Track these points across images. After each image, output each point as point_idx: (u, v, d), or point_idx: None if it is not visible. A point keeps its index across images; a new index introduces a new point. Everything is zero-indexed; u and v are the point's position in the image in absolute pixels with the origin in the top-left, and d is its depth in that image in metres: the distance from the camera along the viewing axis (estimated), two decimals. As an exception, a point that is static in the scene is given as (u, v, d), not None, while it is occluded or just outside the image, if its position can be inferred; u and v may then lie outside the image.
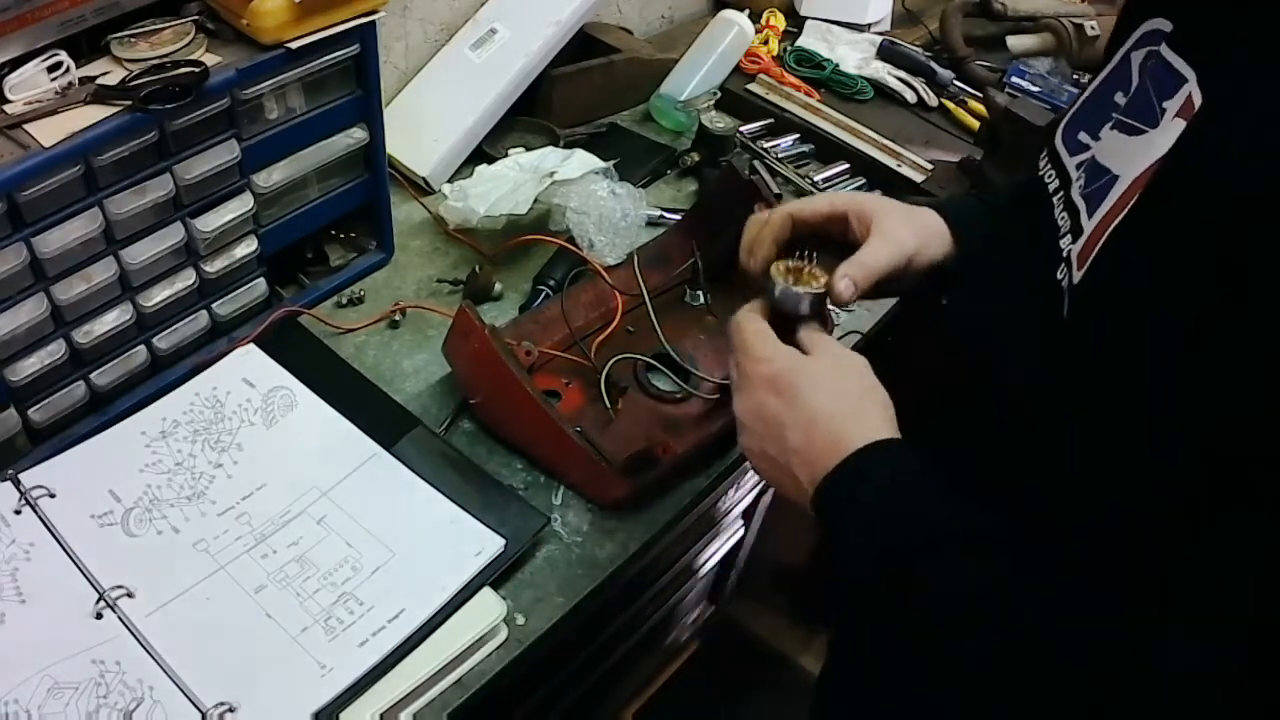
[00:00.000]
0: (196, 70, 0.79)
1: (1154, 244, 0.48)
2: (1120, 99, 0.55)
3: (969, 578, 0.54)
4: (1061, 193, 0.58)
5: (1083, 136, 0.57)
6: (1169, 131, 0.49)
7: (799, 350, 0.67)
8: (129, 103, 0.76)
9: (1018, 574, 0.53)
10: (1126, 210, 0.51)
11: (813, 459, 0.61)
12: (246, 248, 0.93)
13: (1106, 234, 0.52)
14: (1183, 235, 0.46)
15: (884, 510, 0.58)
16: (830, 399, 0.63)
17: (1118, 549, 0.50)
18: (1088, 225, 0.54)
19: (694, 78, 1.40)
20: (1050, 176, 0.60)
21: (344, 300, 1.05)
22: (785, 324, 0.70)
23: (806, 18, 1.62)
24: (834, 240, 0.77)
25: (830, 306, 0.77)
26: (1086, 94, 0.61)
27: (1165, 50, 0.52)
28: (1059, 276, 0.55)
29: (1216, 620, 0.44)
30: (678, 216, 1.17)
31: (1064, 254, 0.56)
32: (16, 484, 0.80)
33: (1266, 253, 0.42)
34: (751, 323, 0.69)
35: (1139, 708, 0.45)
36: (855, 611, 0.60)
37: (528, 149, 1.22)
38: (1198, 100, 0.48)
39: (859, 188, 1.30)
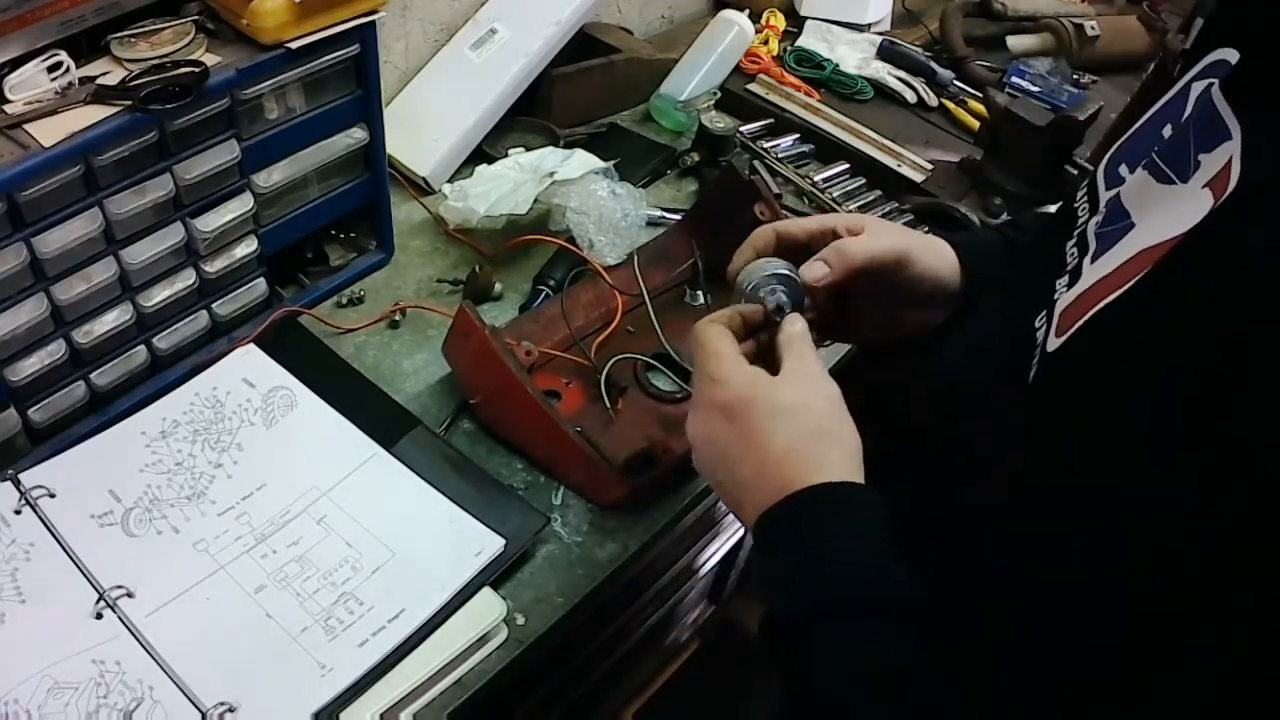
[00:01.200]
0: (196, 70, 0.78)
1: (1143, 340, 0.44)
2: (1166, 133, 0.51)
3: (862, 656, 0.50)
4: (1082, 227, 0.54)
5: (1122, 169, 0.53)
6: (1195, 203, 0.44)
7: (771, 365, 0.62)
8: (129, 103, 0.76)
9: (917, 662, 0.49)
10: (1125, 288, 0.46)
11: (761, 500, 0.57)
12: (246, 248, 0.93)
13: (1096, 309, 0.47)
14: (1180, 338, 0.41)
15: (808, 561, 0.54)
16: (788, 436, 0.57)
17: (1045, 647, 0.45)
18: (1086, 273, 0.50)
19: (694, 78, 1.40)
20: (1083, 209, 0.55)
21: (344, 300, 1.05)
22: (763, 330, 0.65)
23: (806, 18, 1.62)
24: None
25: (814, 319, 0.70)
26: (1140, 122, 0.55)
27: (1216, 94, 0.46)
28: (1037, 325, 0.52)
29: None
30: (678, 216, 1.17)
31: (1054, 297, 0.52)
32: (16, 484, 0.80)
33: (1268, 372, 0.37)
34: (711, 338, 0.62)
35: None
36: (770, 654, 0.57)
37: (528, 149, 1.22)
38: (1235, 174, 0.42)
39: (859, 188, 1.30)
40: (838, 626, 0.51)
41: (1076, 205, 0.57)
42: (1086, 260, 0.51)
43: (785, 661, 0.54)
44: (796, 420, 0.58)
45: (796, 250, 0.71)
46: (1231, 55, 0.48)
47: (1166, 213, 0.46)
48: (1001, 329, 0.58)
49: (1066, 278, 0.52)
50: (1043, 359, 0.51)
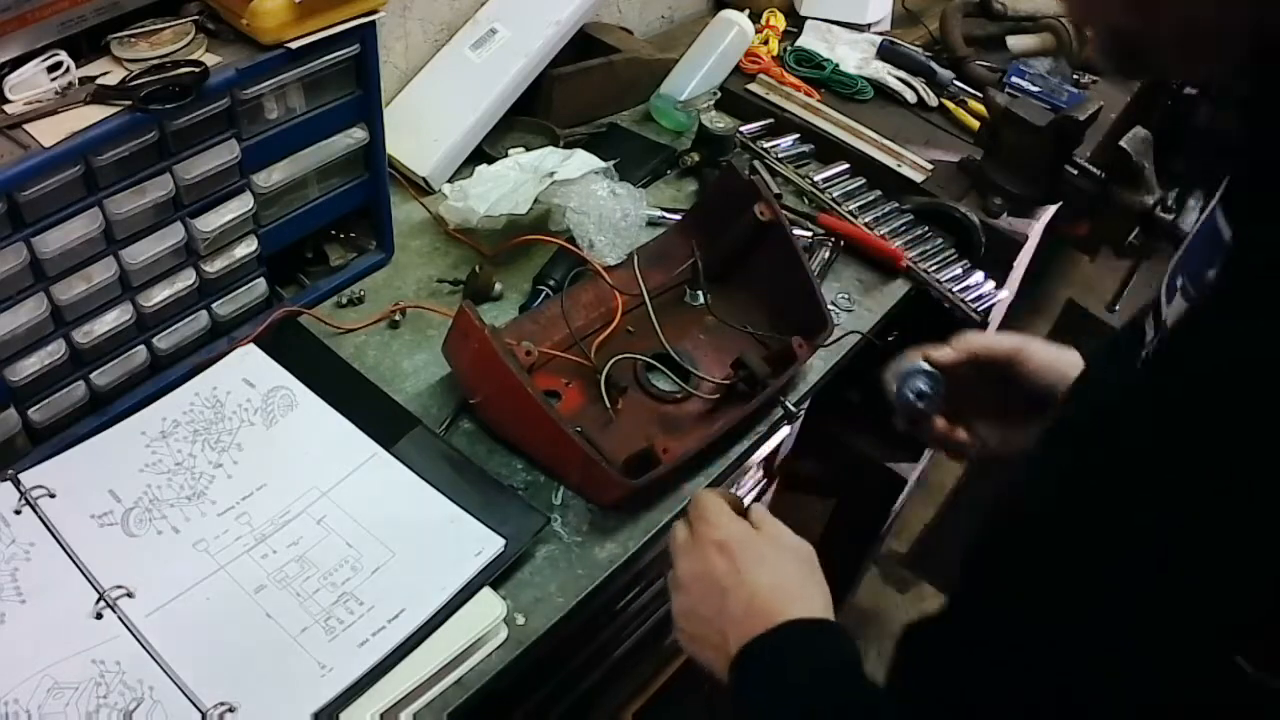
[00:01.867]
0: (196, 70, 0.78)
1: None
2: (1195, 261, 0.51)
3: None
4: (1149, 349, 0.54)
5: (1178, 281, 0.52)
6: None
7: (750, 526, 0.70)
8: (129, 103, 0.76)
9: None
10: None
11: (747, 630, 0.62)
12: (246, 248, 0.93)
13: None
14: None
15: (785, 684, 0.59)
16: (776, 575, 0.65)
17: None
18: None
19: (694, 78, 1.39)
20: (1150, 328, 0.55)
21: (344, 300, 1.05)
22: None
23: (806, 18, 1.62)
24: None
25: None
26: (1187, 239, 0.55)
27: (1219, 213, 0.47)
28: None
29: None
30: (678, 216, 1.17)
31: None
32: (16, 484, 0.80)
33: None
34: (707, 495, 0.73)
35: None
36: None
37: (528, 149, 1.22)
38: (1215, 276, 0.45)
39: (859, 188, 1.30)
40: None
41: (1146, 323, 0.57)
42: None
43: None
44: (784, 566, 0.67)
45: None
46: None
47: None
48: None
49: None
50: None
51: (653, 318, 0.98)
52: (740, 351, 0.96)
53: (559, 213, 1.09)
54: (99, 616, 0.74)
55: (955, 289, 1.19)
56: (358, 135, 0.97)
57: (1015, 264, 1.31)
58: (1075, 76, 1.58)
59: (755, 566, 0.66)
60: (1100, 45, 0.51)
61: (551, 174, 1.09)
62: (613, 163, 1.14)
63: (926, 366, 0.79)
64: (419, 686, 0.74)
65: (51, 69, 0.75)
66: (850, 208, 1.26)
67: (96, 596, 0.75)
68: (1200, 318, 0.46)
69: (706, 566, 0.67)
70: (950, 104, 1.48)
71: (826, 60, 1.50)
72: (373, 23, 0.89)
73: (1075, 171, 1.27)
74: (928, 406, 0.80)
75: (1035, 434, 0.73)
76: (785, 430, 1.16)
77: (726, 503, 0.72)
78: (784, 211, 1.07)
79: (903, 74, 1.50)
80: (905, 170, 1.31)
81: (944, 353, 0.79)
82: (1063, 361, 0.78)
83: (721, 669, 0.64)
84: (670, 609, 0.70)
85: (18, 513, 0.79)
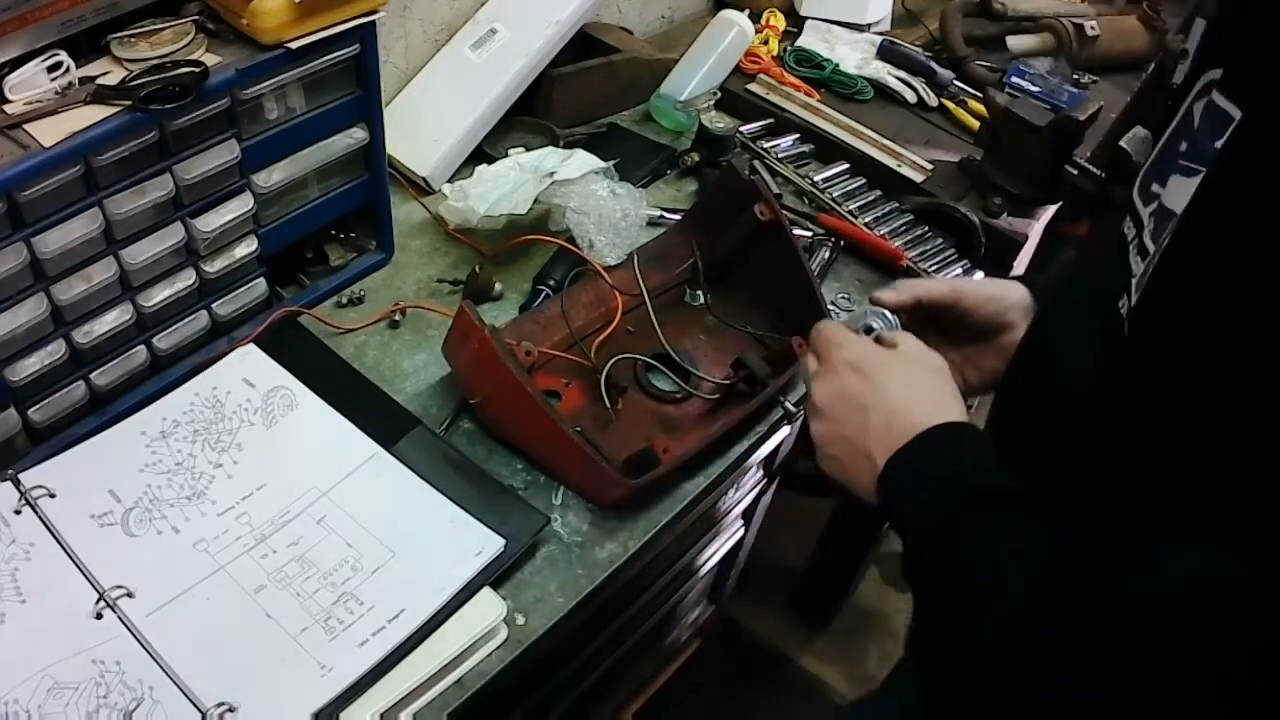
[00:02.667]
0: (196, 70, 0.78)
1: (1195, 264, 0.51)
2: (1184, 147, 0.57)
3: (1008, 533, 0.57)
4: (1136, 239, 0.59)
5: (1154, 187, 0.58)
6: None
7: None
8: (129, 103, 0.76)
9: (1053, 534, 0.56)
10: (1170, 238, 0.53)
11: (892, 441, 0.65)
12: (246, 248, 0.93)
13: (1154, 262, 0.54)
14: (1227, 249, 0.49)
15: (949, 475, 0.62)
16: (911, 388, 0.67)
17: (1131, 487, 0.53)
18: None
19: (694, 78, 1.40)
20: (1129, 226, 0.61)
21: (344, 300, 1.05)
22: None
23: (806, 18, 1.62)
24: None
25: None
26: (1157, 148, 0.62)
27: (1216, 95, 0.53)
28: (1120, 305, 0.58)
29: (1224, 538, 0.46)
30: (678, 216, 1.17)
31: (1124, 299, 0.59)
32: (16, 484, 0.80)
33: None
34: (829, 326, 0.75)
35: (1137, 601, 0.48)
36: (915, 584, 0.64)
37: (528, 149, 1.22)
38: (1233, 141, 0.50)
39: (859, 188, 1.30)
40: (984, 511, 0.59)
41: (1123, 227, 0.61)
42: (1152, 262, 0.56)
43: (933, 571, 0.60)
44: (917, 377, 0.69)
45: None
46: (1218, 73, 0.54)
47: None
48: (1087, 320, 0.64)
49: (1134, 283, 0.57)
50: (1130, 317, 0.57)
51: (652, 318, 0.97)
52: (740, 351, 0.96)
53: (559, 213, 1.09)
54: (99, 616, 0.74)
55: (955, 289, 1.19)
56: (358, 135, 0.97)
57: (1015, 264, 1.31)
58: (1075, 76, 1.58)
59: (892, 381, 0.68)
60: None
61: (551, 174, 1.09)
62: (613, 163, 1.14)
63: (879, 310, 0.81)
64: (419, 686, 0.74)
65: (51, 69, 0.75)
66: (850, 208, 1.26)
67: (96, 596, 0.75)
68: (1227, 183, 0.50)
69: (843, 386, 0.69)
70: (950, 104, 1.48)
71: (826, 60, 1.50)
72: (373, 23, 0.89)
73: (1075, 171, 1.27)
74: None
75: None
76: (785, 430, 1.16)
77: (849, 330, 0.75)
78: (784, 211, 1.07)
79: (903, 74, 1.50)
80: (905, 170, 1.31)
81: (889, 294, 0.82)
82: (1004, 289, 0.82)
83: (868, 485, 0.66)
84: (812, 433, 0.72)
85: (18, 513, 0.79)
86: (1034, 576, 0.54)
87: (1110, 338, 0.58)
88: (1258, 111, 0.49)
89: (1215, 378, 0.48)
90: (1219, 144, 0.51)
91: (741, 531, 1.45)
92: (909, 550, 0.63)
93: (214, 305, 0.94)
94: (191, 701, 0.70)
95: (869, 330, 0.79)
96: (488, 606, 0.79)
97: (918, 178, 1.31)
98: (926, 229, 1.26)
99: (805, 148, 1.36)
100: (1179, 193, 0.55)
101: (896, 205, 1.28)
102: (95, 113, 0.75)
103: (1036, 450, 0.64)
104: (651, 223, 1.18)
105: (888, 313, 0.81)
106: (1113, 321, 0.58)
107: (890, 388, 0.67)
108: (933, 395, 0.68)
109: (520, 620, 0.80)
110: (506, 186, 1.10)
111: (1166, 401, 0.51)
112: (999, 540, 0.57)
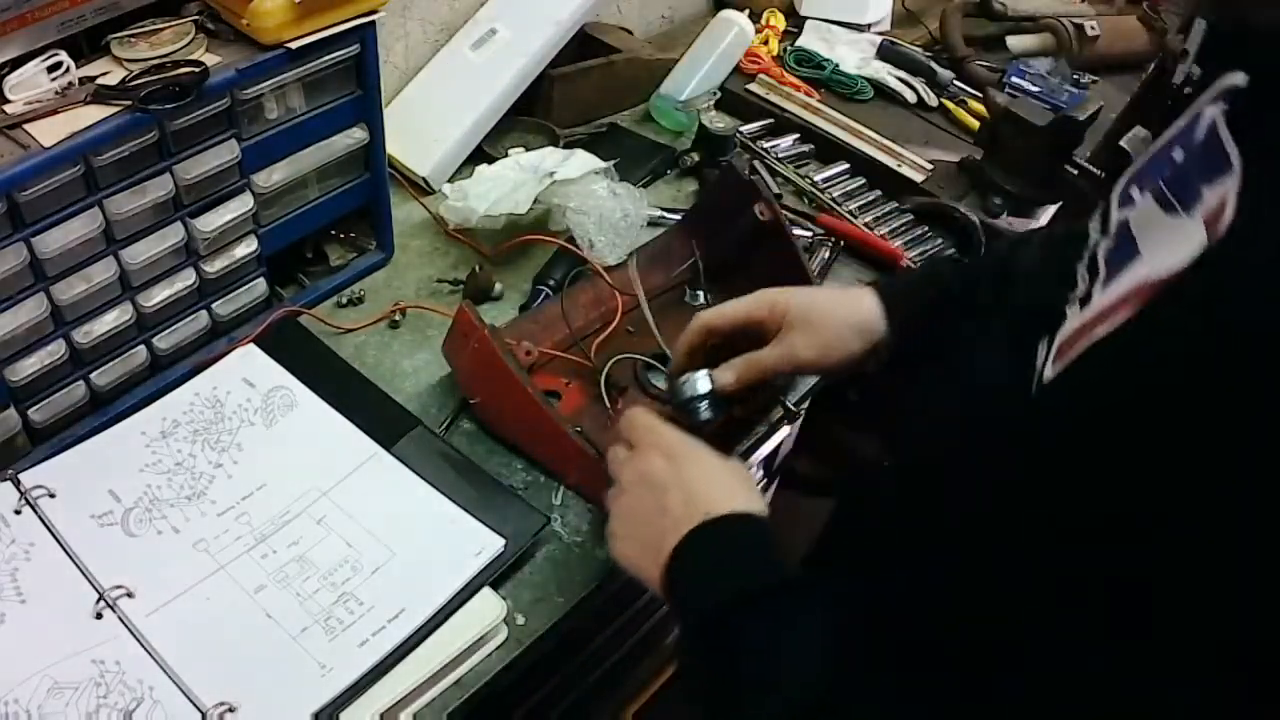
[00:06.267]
0: (196, 70, 0.78)
1: (1128, 385, 0.44)
2: (1179, 157, 0.49)
3: (779, 629, 0.57)
4: (1092, 250, 0.54)
5: (1134, 191, 0.52)
6: (1192, 237, 0.43)
7: None
8: (129, 103, 0.76)
9: (826, 635, 0.56)
10: (1116, 325, 0.46)
11: (684, 525, 0.65)
12: (246, 248, 0.93)
13: (1088, 343, 0.48)
14: (1160, 388, 0.42)
15: (728, 564, 0.63)
16: (709, 476, 0.68)
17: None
18: (1095, 300, 0.50)
19: (694, 78, 1.40)
20: (1095, 229, 0.55)
21: (344, 300, 1.05)
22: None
23: (806, 18, 1.62)
24: (764, 342, 0.83)
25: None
26: (1157, 145, 0.53)
27: (1221, 125, 0.45)
28: (1039, 350, 0.53)
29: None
30: (678, 216, 1.17)
31: (1061, 323, 0.53)
32: (16, 484, 0.80)
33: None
34: (641, 411, 0.75)
35: None
36: (686, 677, 0.64)
37: (528, 149, 1.22)
38: (1229, 212, 0.41)
39: (859, 188, 1.30)
40: (756, 608, 0.59)
41: (1091, 224, 0.57)
42: (1097, 286, 0.51)
43: (705, 661, 0.60)
44: (718, 468, 0.70)
45: (738, 338, 0.84)
46: (1242, 79, 0.46)
47: (1168, 245, 0.45)
48: (1010, 346, 0.59)
49: (1078, 304, 0.53)
50: (1039, 388, 0.52)
51: (649, 319, 0.97)
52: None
53: (559, 213, 1.09)
54: (99, 616, 0.74)
55: (955, 289, 1.19)
56: (358, 135, 0.97)
57: (1015, 264, 1.31)
58: (1075, 76, 1.58)
59: (694, 467, 0.69)
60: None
61: (551, 174, 1.09)
62: (613, 163, 1.14)
63: (697, 378, 0.83)
64: (419, 686, 0.74)
65: (51, 69, 0.75)
66: (850, 208, 1.26)
67: (96, 596, 0.75)
68: (1228, 253, 0.41)
69: (648, 468, 0.70)
70: (950, 104, 1.48)
71: (826, 60, 1.50)
72: (373, 23, 0.89)
73: (1075, 171, 1.27)
74: (709, 412, 0.83)
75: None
76: (785, 430, 1.16)
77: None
78: (784, 211, 1.07)
79: (903, 74, 1.50)
80: (905, 170, 1.31)
81: (730, 313, 0.84)
82: (836, 305, 0.82)
83: (652, 568, 0.65)
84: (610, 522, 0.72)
85: (18, 513, 0.79)
86: (801, 680, 0.55)
87: (1013, 392, 0.53)
88: (1260, 176, 0.41)
89: (1118, 521, 0.42)
90: (1207, 191, 0.43)
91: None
92: (681, 634, 0.64)
93: (214, 305, 0.94)
94: (191, 701, 0.70)
95: (697, 398, 0.82)
96: (487, 606, 0.79)
97: (918, 178, 1.31)
98: (926, 229, 1.26)
99: (805, 148, 1.36)
100: (1148, 224, 0.48)
101: (896, 205, 1.28)
102: (95, 113, 0.75)
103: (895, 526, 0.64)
104: (651, 223, 1.18)
105: (709, 376, 0.82)
106: (1024, 368, 0.53)
107: (691, 473, 0.68)
108: (734, 485, 0.68)
109: (520, 620, 0.80)
110: (506, 186, 1.10)
111: (1056, 530, 0.46)
112: (767, 640, 0.57)
